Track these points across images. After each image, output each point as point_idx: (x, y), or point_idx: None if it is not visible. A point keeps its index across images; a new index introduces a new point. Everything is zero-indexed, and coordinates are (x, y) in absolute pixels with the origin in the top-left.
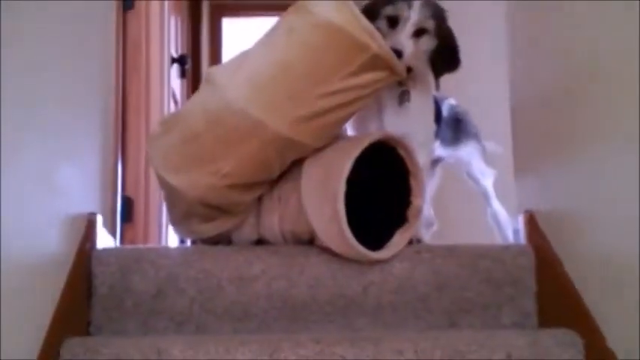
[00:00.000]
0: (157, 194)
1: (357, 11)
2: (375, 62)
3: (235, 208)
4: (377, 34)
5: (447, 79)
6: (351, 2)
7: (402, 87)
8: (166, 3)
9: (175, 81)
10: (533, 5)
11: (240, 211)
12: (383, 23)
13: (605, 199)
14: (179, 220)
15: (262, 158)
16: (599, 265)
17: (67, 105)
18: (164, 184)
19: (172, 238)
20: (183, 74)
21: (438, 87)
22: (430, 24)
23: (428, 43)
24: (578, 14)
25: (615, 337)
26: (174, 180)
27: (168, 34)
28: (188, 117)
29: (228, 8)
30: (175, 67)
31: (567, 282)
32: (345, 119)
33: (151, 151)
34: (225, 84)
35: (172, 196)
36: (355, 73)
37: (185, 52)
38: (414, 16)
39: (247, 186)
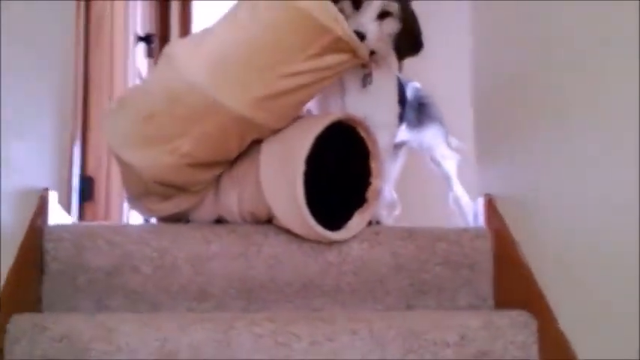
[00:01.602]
0: (119, 174)
1: None
2: (338, 45)
3: (193, 186)
4: (340, 17)
5: (410, 63)
6: None
7: (365, 69)
8: None
9: (142, 60)
10: None
11: (198, 190)
12: (347, 4)
13: (562, 184)
14: (136, 199)
15: (221, 138)
16: (555, 248)
17: (22, 79)
18: (120, 161)
19: (135, 219)
20: (150, 54)
21: (400, 70)
22: (394, 7)
23: (391, 25)
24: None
25: (569, 318)
26: (130, 157)
27: (134, 12)
28: (146, 93)
29: None
30: (142, 46)
31: (523, 265)
32: (306, 101)
33: (107, 127)
34: (184, 61)
35: (129, 173)
36: (317, 55)
37: (153, 31)
38: None
39: (206, 165)
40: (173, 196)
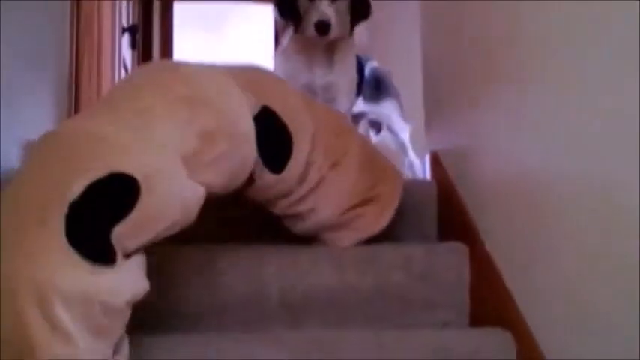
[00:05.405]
0: None
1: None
2: None
3: None
4: None
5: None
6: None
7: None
8: None
9: (126, 51)
10: None
11: None
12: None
13: (495, 136)
14: None
15: None
16: (491, 193)
17: (22, 74)
18: None
19: None
20: (133, 45)
21: (352, 33)
22: None
23: (344, 3)
24: None
25: (498, 247)
26: None
27: (119, 6)
28: None
29: None
30: (126, 37)
31: (461, 206)
32: None
33: None
34: None
35: None
36: None
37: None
38: None
39: None
40: None
